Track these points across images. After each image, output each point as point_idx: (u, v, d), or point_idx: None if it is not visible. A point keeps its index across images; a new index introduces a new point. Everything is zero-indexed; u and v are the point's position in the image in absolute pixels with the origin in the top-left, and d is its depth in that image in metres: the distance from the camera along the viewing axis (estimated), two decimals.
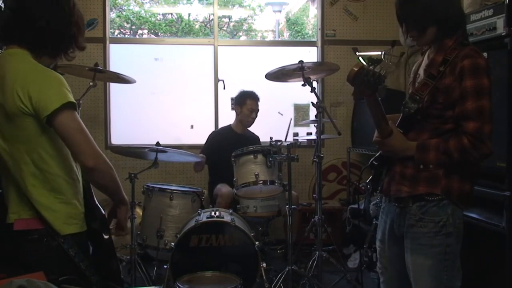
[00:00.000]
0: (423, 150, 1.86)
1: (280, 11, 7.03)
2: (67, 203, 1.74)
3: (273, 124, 4.84)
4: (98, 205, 1.91)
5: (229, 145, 3.93)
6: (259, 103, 4.36)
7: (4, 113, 1.66)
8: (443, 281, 1.87)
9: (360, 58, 4.87)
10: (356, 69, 1.74)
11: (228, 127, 4.47)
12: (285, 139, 3.72)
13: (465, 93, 1.79)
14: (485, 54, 1.88)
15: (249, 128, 4.45)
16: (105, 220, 1.92)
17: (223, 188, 3.99)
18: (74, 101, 1.66)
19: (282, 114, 5.06)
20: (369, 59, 1.69)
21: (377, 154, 2.03)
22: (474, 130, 1.78)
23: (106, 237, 1.88)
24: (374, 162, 2.04)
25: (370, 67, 1.72)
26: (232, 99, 4.42)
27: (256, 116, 4.35)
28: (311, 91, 3.38)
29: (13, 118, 1.65)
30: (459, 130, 1.82)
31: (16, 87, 1.62)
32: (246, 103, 4.30)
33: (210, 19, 5.88)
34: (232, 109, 4.40)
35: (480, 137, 1.78)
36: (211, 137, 4.43)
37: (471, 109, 1.78)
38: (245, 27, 7.30)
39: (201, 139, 4.49)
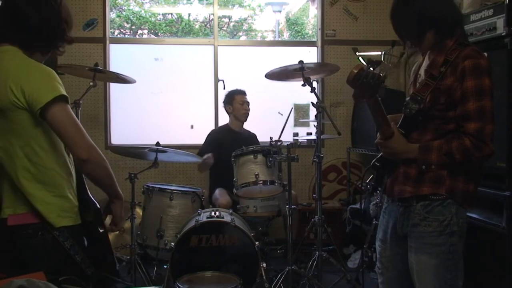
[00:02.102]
0: (425, 151, 1.86)
1: (280, 11, 7.03)
2: (61, 196, 1.75)
3: (273, 124, 4.84)
4: (92, 198, 1.92)
5: (228, 144, 3.94)
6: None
7: None
8: (447, 280, 1.87)
9: (360, 58, 4.87)
10: (355, 71, 1.72)
11: (226, 126, 4.49)
12: (279, 137, 3.66)
13: (466, 94, 1.79)
14: (485, 54, 1.89)
15: (245, 127, 4.47)
16: (100, 214, 1.92)
17: (221, 198, 3.95)
18: (66, 94, 1.68)
19: (282, 114, 5.05)
20: (368, 61, 1.66)
21: (379, 155, 2.03)
22: (475, 130, 1.78)
23: (101, 230, 1.89)
24: (376, 163, 2.03)
25: (370, 69, 1.71)
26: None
27: (249, 108, 4.39)
28: (311, 91, 3.38)
29: (6, 112, 1.67)
30: (461, 130, 1.82)
31: (9, 81, 1.64)
32: (235, 99, 4.38)
33: (210, 19, 5.88)
34: (226, 111, 4.43)
35: (482, 138, 1.78)
36: (210, 136, 4.43)
37: (472, 110, 1.78)
38: (245, 27, 7.31)
39: (201, 139, 4.48)
